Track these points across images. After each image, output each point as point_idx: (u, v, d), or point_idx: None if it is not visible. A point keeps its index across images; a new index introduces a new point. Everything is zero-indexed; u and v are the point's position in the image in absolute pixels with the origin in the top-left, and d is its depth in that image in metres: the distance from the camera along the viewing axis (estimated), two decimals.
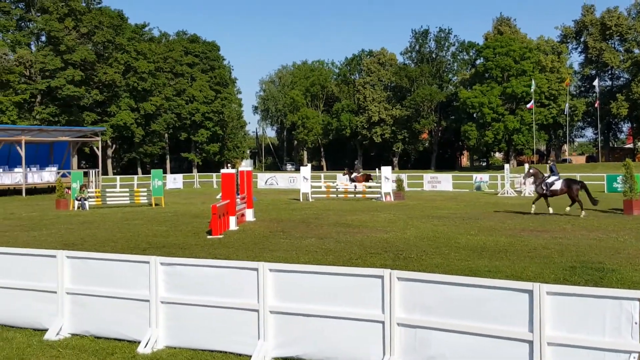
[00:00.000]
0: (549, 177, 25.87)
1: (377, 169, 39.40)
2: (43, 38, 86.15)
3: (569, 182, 25.72)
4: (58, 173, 50.32)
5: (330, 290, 7.59)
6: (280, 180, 54.32)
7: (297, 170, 50.99)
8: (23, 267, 9.51)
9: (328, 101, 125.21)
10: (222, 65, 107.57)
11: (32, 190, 47.87)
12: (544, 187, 25.56)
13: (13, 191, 47.24)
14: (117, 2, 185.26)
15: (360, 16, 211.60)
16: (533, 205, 25.94)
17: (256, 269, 7.96)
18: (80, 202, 33.10)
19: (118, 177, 62.13)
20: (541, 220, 23.24)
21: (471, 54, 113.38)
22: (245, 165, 51.88)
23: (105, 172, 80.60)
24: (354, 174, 40.93)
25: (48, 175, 50.42)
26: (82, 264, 9.13)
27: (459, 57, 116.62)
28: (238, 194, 22.90)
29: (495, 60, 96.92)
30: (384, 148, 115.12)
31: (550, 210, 25.38)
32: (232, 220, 21.41)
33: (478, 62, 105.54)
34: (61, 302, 9.09)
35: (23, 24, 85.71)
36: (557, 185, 25.50)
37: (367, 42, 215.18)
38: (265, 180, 54.30)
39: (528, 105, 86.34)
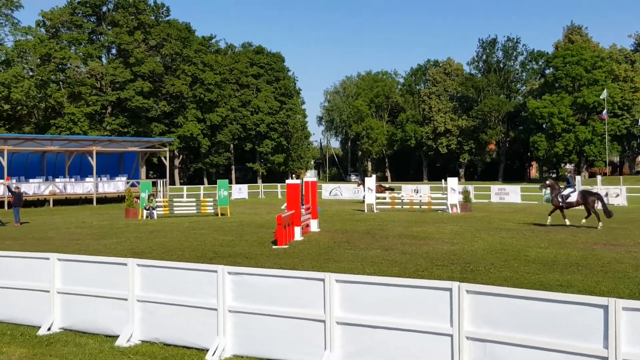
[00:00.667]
0: (565, 188, 25.78)
1: (442, 180, 38.98)
2: (113, 51, 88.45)
3: (585, 194, 25.52)
4: (127, 183, 51.48)
5: (397, 302, 7.51)
6: (344, 191, 54.28)
7: (362, 181, 50.77)
8: (95, 275, 9.72)
9: (393, 112, 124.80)
10: (287, 77, 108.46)
11: (103, 200, 49.07)
12: (560, 199, 25.41)
13: (84, 200, 48.50)
14: (184, 15, 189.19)
15: (426, 26, 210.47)
16: (549, 217, 25.79)
17: (322, 280, 7.94)
18: (148, 211, 33.73)
19: (185, 187, 63.15)
20: (614, 233, 22.56)
21: (540, 63, 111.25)
22: (310, 176, 52.05)
23: (172, 182, 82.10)
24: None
25: (118, 185, 51.64)
26: (152, 272, 9.27)
27: (527, 67, 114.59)
28: (303, 205, 22.94)
29: (566, 69, 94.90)
30: (449, 159, 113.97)
31: (567, 222, 25.16)
32: (297, 230, 21.46)
33: (547, 71, 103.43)
34: (132, 309, 9.25)
35: (95, 37, 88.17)
36: (573, 197, 25.38)
37: (433, 52, 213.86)
38: (330, 191, 54.36)
39: (600, 116, 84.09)
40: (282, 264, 15.36)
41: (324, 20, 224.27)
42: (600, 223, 24.17)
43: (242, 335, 8.51)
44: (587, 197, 25.11)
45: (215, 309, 8.64)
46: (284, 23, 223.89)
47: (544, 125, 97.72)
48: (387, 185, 48.80)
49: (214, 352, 8.40)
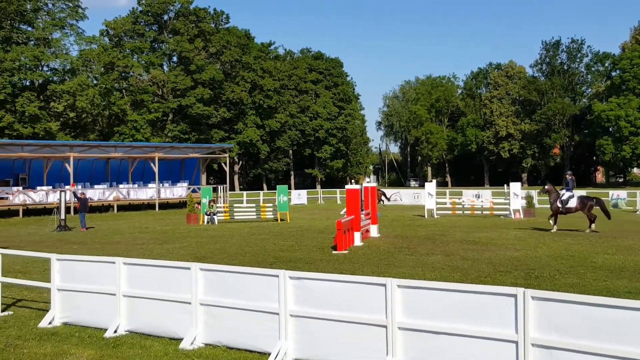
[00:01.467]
0: (563, 193, 25.91)
1: (505, 185, 38.38)
2: (174, 58, 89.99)
3: (583, 199, 25.86)
4: (189, 188, 52.30)
5: (460, 308, 7.40)
6: (404, 196, 54.01)
7: (421, 186, 50.24)
8: (160, 278, 9.88)
9: (453, 116, 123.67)
10: (346, 82, 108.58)
11: (165, 205, 49.94)
12: (560, 205, 25.68)
13: (147, 206, 49.44)
14: (244, 22, 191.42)
15: (487, 29, 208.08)
16: (554, 225, 25.78)
17: (384, 285, 7.89)
18: (209, 216, 34.17)
19: (245, 192, 63.78)
20: None
21: (606, 65, 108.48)
22: (369, 181, 51.90)
23: (232, 188, 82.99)
24: None
25: (179, 191, 52.52)
26: (215, 276, 9.37)
27: (592, 69, 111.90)
28: (362, 210, 22.91)
29: (633, 71, 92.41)
30: (512, 164, 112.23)
31: (554, 229, 25.45)
32: (357, 236, 21.43)
33: (614, 73, 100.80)
34: (195, 313, 9.36)
35: (156, 45, 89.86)
36: (573, 203, 25.65)
37: (494, 55, 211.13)
38: (389, 196, 54.16)
39: None
40: (342, 269, 15.35)
41: (382, 25, 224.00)
42: (593, 225, 24.88)
43: (304, 339, 8.52)
44: (585, 203, 25.57)
45: (277, 313, 8.67)
46: (343, 28, 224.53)
47: (610, 129, 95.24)
48: (383, 190, 48.64)
49: (276, 355, 8.44)
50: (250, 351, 8.78)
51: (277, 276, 8.74)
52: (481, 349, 7.22)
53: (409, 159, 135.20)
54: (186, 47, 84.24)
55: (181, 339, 9.32)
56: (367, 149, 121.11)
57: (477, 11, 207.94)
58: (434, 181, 41.44)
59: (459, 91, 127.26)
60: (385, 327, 7.84)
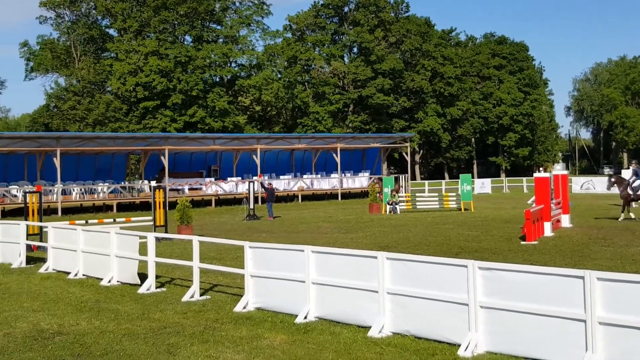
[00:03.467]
0: (634, 181, 24.41)
1: None
2: (355, 49, 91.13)
3: None
4: (370, 178, 52.81)
5: None
6: (597, 184, 51.07)
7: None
8: (347, 267, 9.96)
9: None
10: (532, 66, 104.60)
11: (347, 195, 50.73)
12: (631, 192, 24.29)
13: (330, 195, 50.47)
14: (424, 10, 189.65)
15: None
16: (631, 213, 24.77)
17: (582, 277, 7.44)
18: (391, 206, 34.24)
19: (426, 182, 63.35)
20: None
21: None
22: (559, 169, 49.71)
23: (413, 177, 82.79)
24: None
25: (361, 180, 53.17)
26: (401, 265, 9.30)
27: None
28: (553, 199, 21.90)
29: None
30: None
31: (632, 215, 24.60)
32: (547, 226, 20.52)
33: None
34: (382, 301, 9.34)
35: (337, 37, 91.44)
36: None
37: None
38: (581, 184, 51.54)
39: None
40: (532, 261, 14.73)
41: (569, 5, 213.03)
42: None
43: (495, 331, 8.23)
44: None
45: (466, 304, 8.44)
46: (528, 11, 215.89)
47: None
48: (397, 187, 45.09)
49: (466, 347, 8.22)
50: (439, 341, 8.62)
51: (465, 266, 8.53)
52: None
53: (601, 145, 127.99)
54: (366, 37, 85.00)
55: (369, 327, 9.34)
56: (555, 136, 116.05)
57: None
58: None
59: None
60: (584, 321, 7.40)
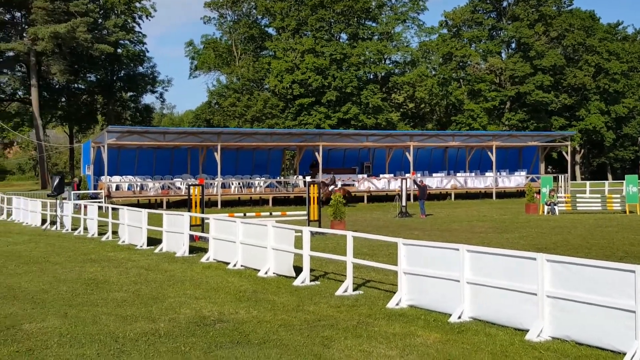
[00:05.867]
0: None
1: None
2: (513, 45, 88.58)
3: None
4: (527, 177, 51.20)
5: None
6: None
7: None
8: (503, 267, 9.71)
9: None
10: None
11: (502, 194, 49.47)
12: None
13: (484, 194, 49.42)
14: (588, 3, 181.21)
15: None
16: None
17: None
18: (549, 206, 33.02)
19: (587, 182, 60.47)
20: None
21: None
22: None
23: (573, 178, 79.30)
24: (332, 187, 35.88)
25: (517, 180, 51.67)
26: (562, 268, 8.96)
27: None
28: None
29: None
30: None
31: None
32: None
33: None
34: (541, 305, 9.03)
35: (494, 33, 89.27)
36: None
37: None
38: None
39: None
40: None
41: None
42: None
43: None
44: None
45: (633, 312, 7.99)
46: None
47: None
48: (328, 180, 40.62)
49: (632, 356, 7.80)
50: (602, 349, 8.24)
51: (632, 271, 8.08)
52: None
53: None
54: (525, 32, 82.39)
55: (526, 330, 9.07)
56: None
57: None
58: None
59: None
60: None
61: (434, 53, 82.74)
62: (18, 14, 71.80)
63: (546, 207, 33.06)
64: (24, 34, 68.35)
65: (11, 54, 68.93)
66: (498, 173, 50.87)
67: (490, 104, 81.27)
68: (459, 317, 10.06)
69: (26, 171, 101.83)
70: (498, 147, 50.78)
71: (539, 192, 34.83)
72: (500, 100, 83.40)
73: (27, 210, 30.91)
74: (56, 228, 26.88)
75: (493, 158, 49.15)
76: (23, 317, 10.55)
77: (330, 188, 37.57)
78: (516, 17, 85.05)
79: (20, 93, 75.79)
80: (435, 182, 48.57)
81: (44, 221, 28.47)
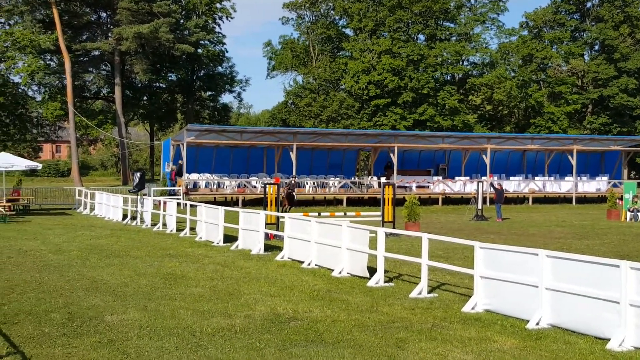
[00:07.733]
0: None
1: None
2: (596, 47, 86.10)
3: None
4: (609, 183, 49.73)
5: None
6: None
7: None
8: (584, 274, 9.47)
9: None
10: None
11: (582, 199, 48.18)
12: None
13: (563, 199, 48.26)
14: None
15: None
16: None
17: None
18: (632, 213, 31.99)
19: None
20: None
21: None
22: None
23: None
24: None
25: (598, 185, 50.23)
26: None
27: None
28: None
29: None
30: None
31: None
32: None
33: None
34: (624, 313, 8.76)
35: (577, 34, 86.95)
36: None
37: None
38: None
39: None
40: None
41: None
42: None
43: None
44: None
45: None
46: None
47: None
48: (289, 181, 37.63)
49: None
50: None
51: None
52: None
53: None
54: (610, 34, 79.94)
55: (608, 339, 8.82)
56: None
57: None
58: None
59: None
60: None
61: (513, 55, 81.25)
62: (104, 15, 74.02)
63: (629, 214, 32.03)
64: (109, 34, 70.38)
65: (97, 53, 71.11)
66: (578, 177, 49.56)
67: (572, 107, 79.17)
68: (537, 324, 9.86)
69: (108, 167, 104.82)
70: (579, 151, 49.48)
71: (621, 198, 33.78)
72: (582, 104, 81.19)
73: (109, 205, 31.89)
74: (136, 223, 27.64)
75: (574, 162, 47.91)
76: (105, 309, 10.88)
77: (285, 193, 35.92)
78: (600, 18, 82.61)
79: (104, 91, 78.10)
80: (513, 185, 47.69)
81: (125, 216, 29.32)
